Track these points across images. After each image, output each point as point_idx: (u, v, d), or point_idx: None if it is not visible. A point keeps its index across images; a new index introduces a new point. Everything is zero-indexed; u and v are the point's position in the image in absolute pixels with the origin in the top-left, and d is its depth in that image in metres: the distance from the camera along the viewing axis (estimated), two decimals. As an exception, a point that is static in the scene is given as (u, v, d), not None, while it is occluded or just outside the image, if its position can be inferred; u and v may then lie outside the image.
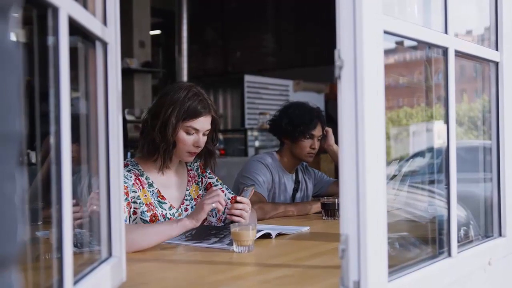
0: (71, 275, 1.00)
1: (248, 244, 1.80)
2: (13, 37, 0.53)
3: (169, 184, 2.20)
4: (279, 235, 2.10)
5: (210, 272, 1.60)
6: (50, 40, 0.98)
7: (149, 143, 2.12)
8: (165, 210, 2.13)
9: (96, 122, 1.31)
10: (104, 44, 1.30)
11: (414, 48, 1.69)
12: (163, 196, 2.15)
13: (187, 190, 2.26)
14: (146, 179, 2.14)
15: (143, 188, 2.11)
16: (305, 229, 2.28)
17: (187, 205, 2.23)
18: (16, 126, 0.52)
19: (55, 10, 0.96)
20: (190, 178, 2.29)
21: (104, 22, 1.30)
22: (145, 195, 2.10)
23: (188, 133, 2.11)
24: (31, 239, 1.33)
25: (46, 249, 1.39)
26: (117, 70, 1.34)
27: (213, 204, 1.91)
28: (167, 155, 2.12)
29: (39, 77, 0.99)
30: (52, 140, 0.98)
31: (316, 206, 2.74)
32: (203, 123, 2.12)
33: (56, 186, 0.97)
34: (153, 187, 2.14)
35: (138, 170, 2.14)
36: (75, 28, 1.07)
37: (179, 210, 2.20)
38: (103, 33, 1.27)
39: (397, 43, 1.40)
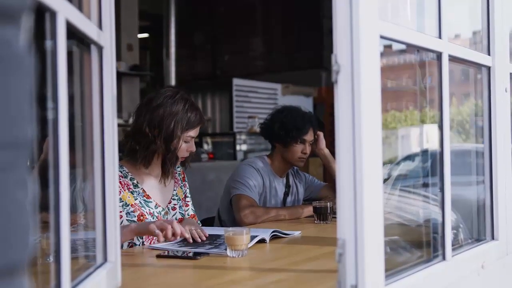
0: (69, 280, 0.99)
1: (242, 249, 1.79)
2: (23, 43, 0.52)
3: (155, 185, 2.27)
4: (273, 238, 2.10)
5: (205, 277, 1.60)
6: (48, 43, 0.97)
7: (150, 153, 2.17)
8: (152, 208, 2.20)
9: (91, 126, 1.30)
10: (100, 48, 1.29)
11: (402, 51, 1.70)
12: (148, 195, 2.22)
13: (174, 190, 2.34)
14: (130, 180, 2.19)
15: (127, 189, 2.16)
16: (297, 233, 2.28)
17: (174, 204, 2.32)
18: (28, 132, 0.51)
19: (53, 14, 0.95)
20: (176, 180, 2.38)
21: (100, 26, 1.30)
22: (129, 196, 2.15)
23: (186, 141, 2.22)
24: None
25: (39, 254, 1.37)
26: (113, 74, 1.33)
27: (156, 231, 1.89)
28: (172, 165, 2.23)
29: (36, 81, 0.98)
30: (49, 143, 0.97)
31: (308, 210, 2.75)
32: (198, 130, 2.26)
33: (54, 191, 0.96)
34: (139, 187, 2.20)
35: (121, 172, 2.18)
36: (71, 32, 1.06)
37: (166, 208, 2.27)
38: (98, 37, 1.26)
39: (385, 46, 1.40)
